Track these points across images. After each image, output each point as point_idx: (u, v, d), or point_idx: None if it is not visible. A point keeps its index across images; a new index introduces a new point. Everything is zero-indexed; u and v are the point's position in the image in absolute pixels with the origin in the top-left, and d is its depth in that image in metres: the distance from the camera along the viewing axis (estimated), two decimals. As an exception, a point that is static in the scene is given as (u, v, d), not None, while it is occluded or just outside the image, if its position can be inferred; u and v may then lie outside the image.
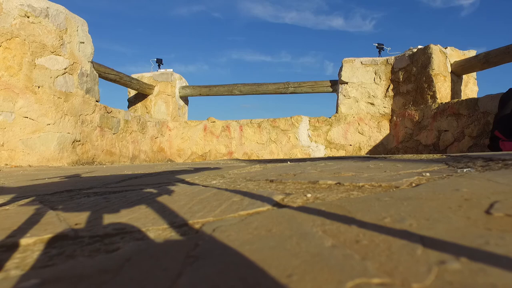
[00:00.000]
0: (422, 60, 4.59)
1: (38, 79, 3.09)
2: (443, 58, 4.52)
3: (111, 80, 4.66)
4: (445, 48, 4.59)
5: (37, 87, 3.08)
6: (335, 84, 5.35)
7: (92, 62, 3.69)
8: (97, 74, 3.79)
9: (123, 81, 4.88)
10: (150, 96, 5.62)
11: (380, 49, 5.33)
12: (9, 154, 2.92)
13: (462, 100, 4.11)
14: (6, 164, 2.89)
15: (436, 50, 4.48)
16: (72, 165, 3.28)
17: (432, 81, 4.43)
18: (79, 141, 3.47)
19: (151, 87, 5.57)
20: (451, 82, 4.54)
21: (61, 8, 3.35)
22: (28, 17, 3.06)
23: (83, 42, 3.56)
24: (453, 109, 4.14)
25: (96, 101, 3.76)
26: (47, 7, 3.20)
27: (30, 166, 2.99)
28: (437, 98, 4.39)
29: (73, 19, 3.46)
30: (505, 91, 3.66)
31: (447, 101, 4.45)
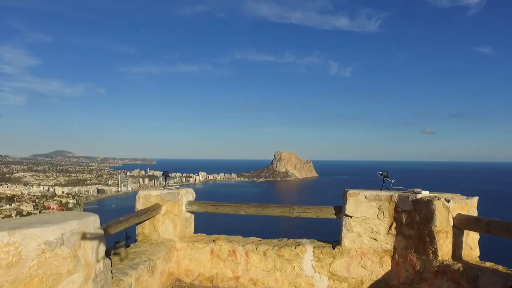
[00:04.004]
0: (425, 213, 4.69)
1: (57, 310, 3.23)
2: (446, 213, 4.61)
3: (123, 229, 4.79)
4: (448, 202, 4.66)
5: (56, 318, 3.23)
6: (340, 211, 5.45)
7: (104, 258, 3.81)
8: (109, 263, 3.92)
9: (134, 223, 5.01)
10: (157, 216, 5.75)
11: (384, 177, 5.40)
12: None
13: (463, 270, 4.24)
14: None
15: (439, 206, 4.57)
16: None
17: (434, 238, 4.55)
18: None
19: (159, 208, 5.69)
20: (452, 237, 4.64)
21: (74, 224, 3.42)
22: (45, 253, 3.16)
23: (95, 243, 3.67)
24: (454, 276, 4.28)
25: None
26: (62, 234, 3.28)
27: None
28: (438, 256, 4.53)
29: (85, 227, 3.55)
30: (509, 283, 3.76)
31: (448, 257, 4.58)
